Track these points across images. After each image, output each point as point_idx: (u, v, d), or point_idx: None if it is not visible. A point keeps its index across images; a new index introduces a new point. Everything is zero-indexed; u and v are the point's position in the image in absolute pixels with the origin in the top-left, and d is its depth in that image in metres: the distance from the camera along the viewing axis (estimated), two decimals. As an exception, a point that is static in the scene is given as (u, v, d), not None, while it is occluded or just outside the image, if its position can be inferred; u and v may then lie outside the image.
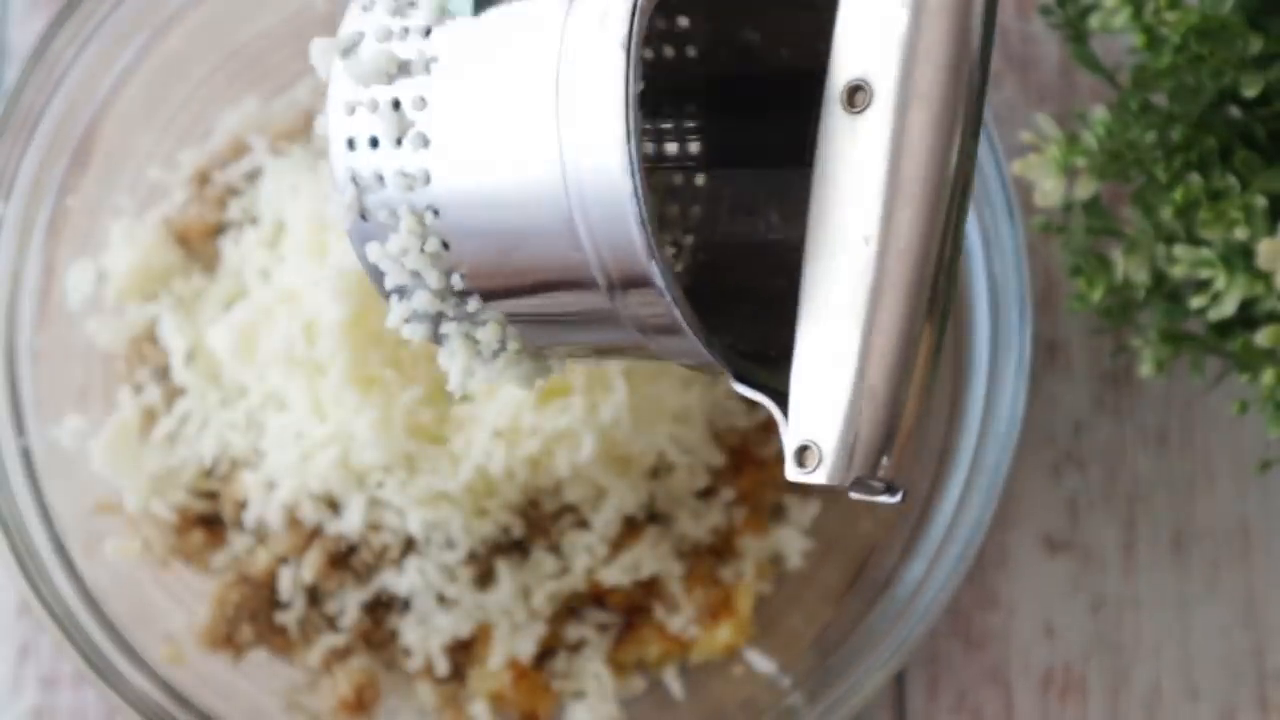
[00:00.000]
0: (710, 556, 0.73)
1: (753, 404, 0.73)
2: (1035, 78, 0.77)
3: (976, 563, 0.71)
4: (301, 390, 0.68)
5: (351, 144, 0.52)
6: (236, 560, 0.71)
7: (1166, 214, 0.64)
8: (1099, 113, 0.65)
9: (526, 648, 0.71)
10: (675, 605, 0.72)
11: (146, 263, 0.72)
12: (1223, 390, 0.73)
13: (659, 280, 0.47)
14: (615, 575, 0.71)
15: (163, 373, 0.72)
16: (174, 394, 0.72)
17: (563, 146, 0.48)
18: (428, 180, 0.51)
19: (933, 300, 0.47)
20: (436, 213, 0.51)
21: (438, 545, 0.70)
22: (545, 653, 0.72)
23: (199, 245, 0.73)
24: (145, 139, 0.73)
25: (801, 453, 0.47)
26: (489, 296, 0.51)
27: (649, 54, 0.59)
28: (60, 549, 0.70)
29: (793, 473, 0.47)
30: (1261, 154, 0.63)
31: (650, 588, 0.72)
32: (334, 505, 0.70)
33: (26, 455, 0.70)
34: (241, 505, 0.71)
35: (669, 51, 0.59)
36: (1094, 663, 0.75)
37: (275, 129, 0.73)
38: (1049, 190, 0.64)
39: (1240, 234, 0.62)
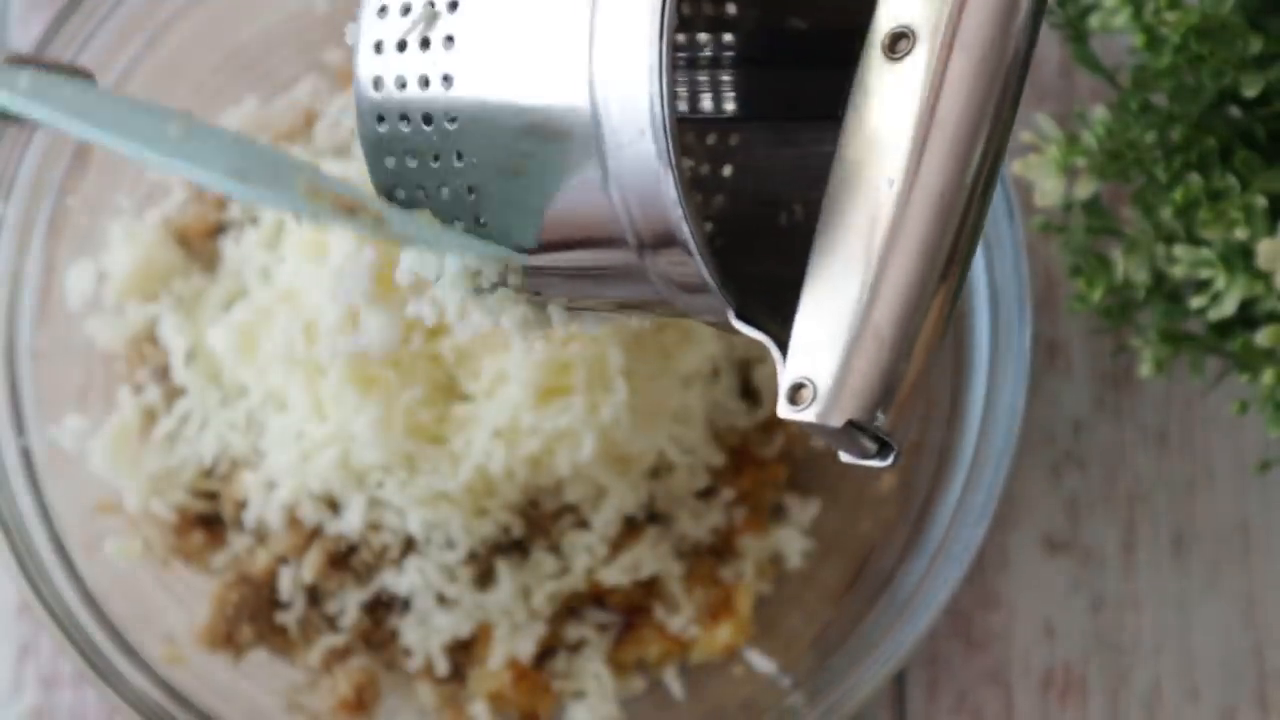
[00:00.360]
0: (710, 556, 0.73)
1: (753, 404, 0.74)
2: (1035, 78, 0.77)
3: (976, 563, 0.70)
4: (301, 390, 0.68)
5: (379, 47, 0.51)
6: (236, 560, 0.71)
7: (1166, 214, 0.64)
8: (1099, 113, 0.65)
9: (526, 648, 0.71)
10: (675, 605, 0.72)
11: (146, 263, 0.72)
12: (1223, 390, 0.73)
13: (685, 219, 0.46)
14: (615, 575, 0.71)
15: (163, 373, 0.72)
16: (174, 394, 0.72)
17: (594, 72, 0.47)
18: (449, 83, 0.50)
19: (952, 254, 0.46)
20: (454, 120, 0.50)
21: (438, 545, 0.70)
22: (545, 653, 0.72)
23: (199, 245, 0.73)
24: (145, 139, 0.73)
25: (795, 390, 0.46)
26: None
27: (686, 9, 0.58)
28: (60, 549, 0.70)
29: (784, 410, 0.46)
30: (1261, 154, 0.63)
31: (650, 588, 0.72)
32: (334, 505, 0.70)
33: (26, 455, 0.70)
34: (241, 505, 0.71)
35: (708, 8, 0.58)
36: (1094, 663, 0.75)
37: (275, 129, 0.73)
38: (1049, 190, 0.64)
39: (1240, 234, 0.62)
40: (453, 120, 0.50)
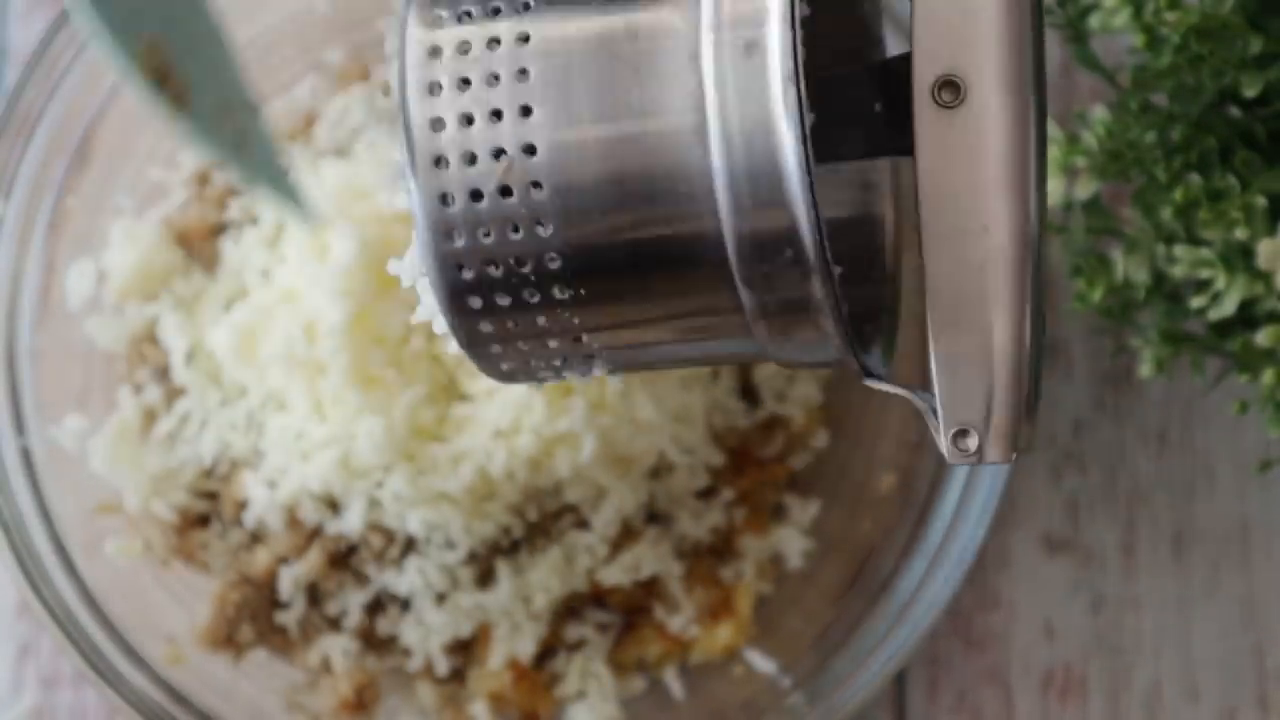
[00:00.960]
0: (710, 556, 0.73)
1: (753, 404, 0.74)
2: (1035, 78, 0.77)
3: (976, 563, 0.71)
4: (301, 390, 0.68)
5: (437, 124, 0.50)
6: (236, 560, 0.71)
7: (1166, 214, 0.64)
8: (1099, 113, 0.65)
9: (526, 648, 0.71)
10: (675, 605, 0.72)
11: (146, 263, 0.72)
12: (1223, 390, 0.73)
13: (814, 231, 0.48)
14: (615, 575, 0.71)
15: (163, 373, 0.72)
16: (174, 394, 0.72)
17: (709, 98, 0.48)
18: (532, 151, 0.49)
19: (1038, 277, 0.49)
20: (539, 185, 0.49)
21: (438, 545, 0.70)
22: (545, 653, 0.72)
23: (199, 245, 0.73)
24: (145, 139, 0.73)
25: (959, 436, 0.50)
26: (588, 288, 0.50)
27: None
28: (60, 549, 0.70)
29: (954, 457, 0.50)
30: (1261, 154, 0.63)
31: (650, 588, 0.73)
32: (334, 505, 0.70)
33: (26, 455, 0.70)
34: (241, 505, 0.71)
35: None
36: (1094, 663, 0.75)
37: (275, 129, 0.73)
38: (1049, 190, 0.64)
39: (1240, 234, 0.62)
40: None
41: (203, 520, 0.72)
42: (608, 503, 0.70)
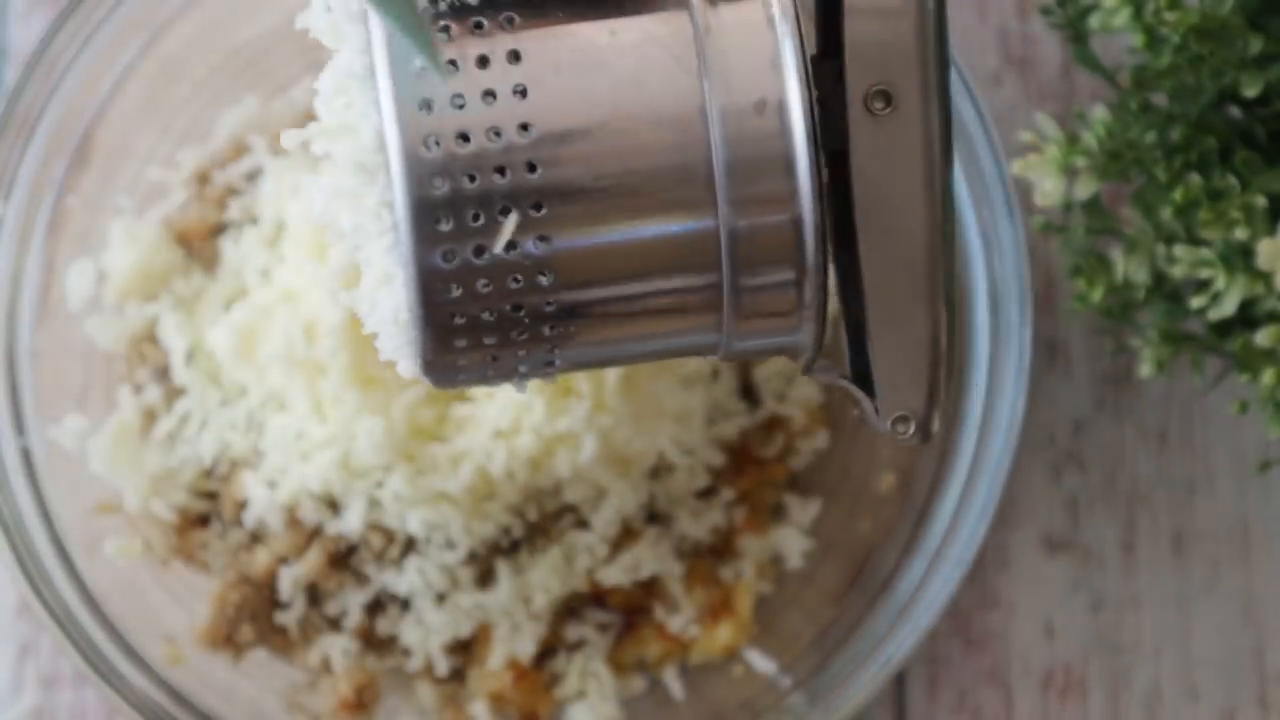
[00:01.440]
0: (710, 556, 0.73)
1: (753, 404, 0.74)
2: (1035, 78, 0.77)
3: (976, 563, 0.71)
4: (301, 390, 0.68)
5: (427, 105, 0.49)
6: (236, 560, 0.71)
7: (1166, 214, 0.64)
8: (1099, 113, 0.65)
9: (526, 648, 0.71)
10: (675, 605, 0.72)
11: (146, 263, 0.72)
12: (1223, 390, 0.73)
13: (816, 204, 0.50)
14: (615, 575, 0.71)
15: (163, 373, 0.72)
16: (174, 394, 0.72)
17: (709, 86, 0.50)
18: (526, 129, 0.50)
19: (951, 271, 0.53)
20: (534, 167, 0.50)
21: (438, 545, 0.70)
22: (545, 653, 0.72)
23: (199, 245, 0.73)
24: (145, 139, 0.73)
25: (898, 421, 0.53)
26: (575, 274, 0.51)
27: None
28: (60, 549, 0.70)
29: (896, 440, 0.54)
30: (1261, 154, 0.63)
31: (650, 588, 0.72)
32: (334, 505, 0.70)
33: (26, 455, 0.70)
34: (241, 505, 0.71)
35: None
36: (1094, 663, 0.75)
37: (275, 129, 0.73)
38: (1049, 190, 0.64)
39: (1240, 234, 0.62)
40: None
41: (203, 520, 0.72)
42: (608, 503, 0.70)
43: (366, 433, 0.67)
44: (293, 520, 0.70)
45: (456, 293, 0.50)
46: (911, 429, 0.53)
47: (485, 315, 0.51)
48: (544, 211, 0.50)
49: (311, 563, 0.70)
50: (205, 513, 0.72)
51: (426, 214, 0.50)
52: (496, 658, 0.71)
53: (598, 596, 0.72)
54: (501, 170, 0.50)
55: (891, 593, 0.71)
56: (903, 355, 0.53)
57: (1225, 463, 0.76)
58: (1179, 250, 0.64)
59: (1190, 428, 0.76)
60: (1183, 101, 0.64)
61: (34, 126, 0.70)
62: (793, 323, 0.52)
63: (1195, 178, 0.63)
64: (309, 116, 0.73)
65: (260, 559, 0.71)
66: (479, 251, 0.50)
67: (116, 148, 0.72)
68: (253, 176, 0.73)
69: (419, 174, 0.50)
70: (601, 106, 0.50)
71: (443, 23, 0.50)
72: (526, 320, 0.51)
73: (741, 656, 0.73)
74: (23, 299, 0.71)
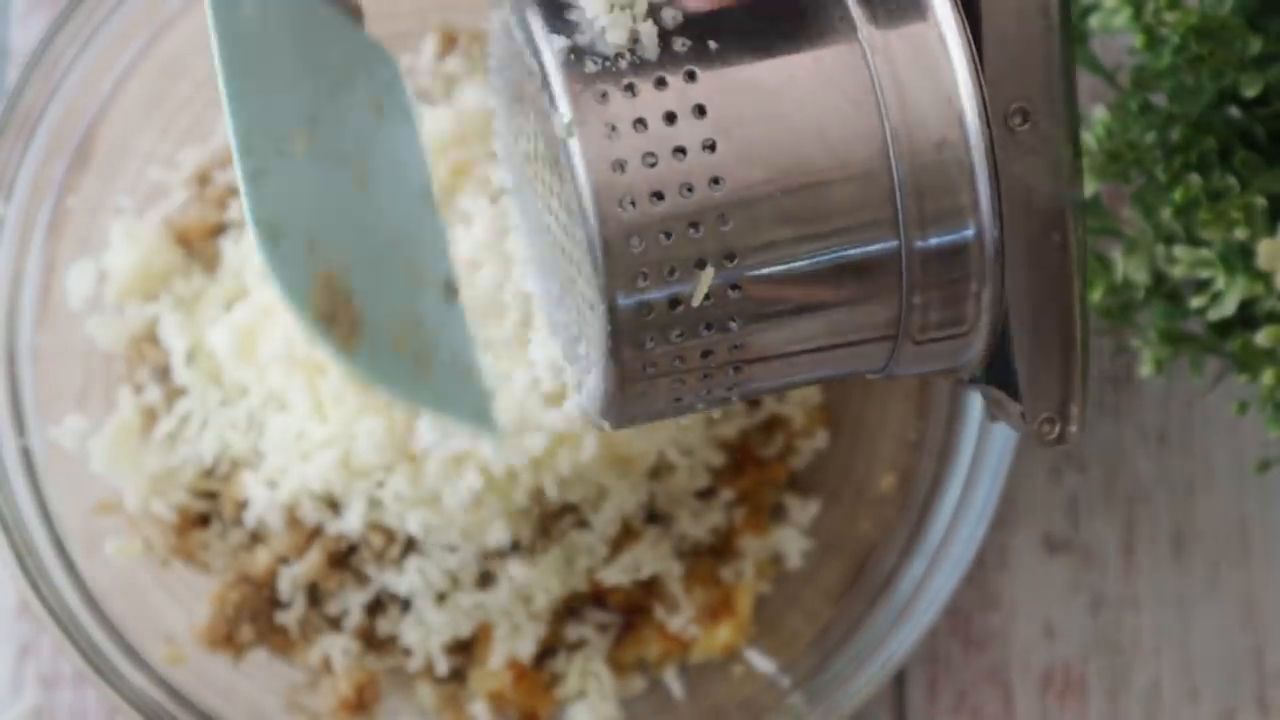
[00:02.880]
0: (710, 556, 0.73)
1: (753, 404, 0.74)
2: (1035, 78, 0.77)
3: (976, 563, 0.71)
4: (302, 390, 0.68)
5: (620, 166, 0.49)
6: (236, 560, 0.71)
7: (1166, 214, 0.64)
8: (1099, 113, 0.65)
9: (526, 648, 0.71)
10: (675, 605, 0.72)
11: (147, 263, 0.72)
12: (1223, 390, 0.73)
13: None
14: (615, 575, 0.71)
15: (163, 373, 0.72)
16: (174, 394, 0.72)
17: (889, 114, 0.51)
18: (717, 183, 0.50)
19: (1084, 277, 0.54)
20: (726, 219, 0.50)
21: (438, 545, 0.70)
22: (545, 653, 0.72)
23: (199, 245, 0.73)
24: (145, 139, 0.73)
25: (1043, 424, 0.54)
26: (762, 318, 0.51)
27: None
28: (60, 549, 0.70)
29: (1039, 442, 0.54)
30: (1261, 154, 0.63)
31: (650, 588, 0.73)
32: (334, 505, 0.70)
33: (26, 455, 0.70)
34: (241, 505, 0.71)
35: None
36: (1094, 663, 0.75)
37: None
38: (1049, 190, 0.64)
39: (1240, 234, 0.62)
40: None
41: (203, 520, 0.72)
42: (608, 503, 0.70)
43: (367, 432, 0.67)
44: (293, 520, 0.70)
45: (650, 345, 0.51)
46: (1057, 430, 0.54)
47: (676, 363, 0.51)
48: (736, 262, 0.50)
49: (312, 563, 0.70)
50: (205, 513, 0.72)
51: (624, 273, 0.50)
52: (497, 658, 0.71)
53: (598, 596, 0.72)
54: (695, 225, 0.50)
55: (891, 593, 0.71)
56: (1043, 358, 0.54)
57: (1225, 463, 0.76)
58: (1179, 250, 0.64)
59: (1190, 428, 0.76)
60: (1182, 102, 0.64)
61: (34, 126, 0.70)
62: (968, 340, 0.53)
63: (1195, 178, 0.63)
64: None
65: (260, 559, 0.71)
66: (674, 303, 0.50)
67: (117, 148, 0.72)
68: (253, 176, 0.73)
69: (616, 235, 0.50)
70: (785, 155, 0.50)
71: (626, 81, 0.50)
72: (714, 364, 0.52)
73: (741, 656, 0.73)
74: (23, 299, 0.71)
